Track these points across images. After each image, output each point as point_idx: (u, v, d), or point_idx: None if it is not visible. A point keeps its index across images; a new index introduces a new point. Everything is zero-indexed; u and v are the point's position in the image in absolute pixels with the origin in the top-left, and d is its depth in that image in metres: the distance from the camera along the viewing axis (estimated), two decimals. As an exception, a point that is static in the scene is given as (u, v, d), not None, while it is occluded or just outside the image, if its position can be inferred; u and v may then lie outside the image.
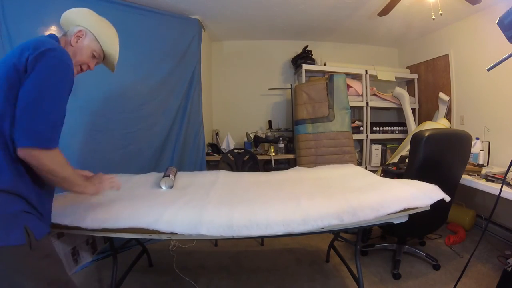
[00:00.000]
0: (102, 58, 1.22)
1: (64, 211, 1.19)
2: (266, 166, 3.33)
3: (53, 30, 1.98)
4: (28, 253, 0.86)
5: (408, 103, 3.43)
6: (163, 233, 1.13)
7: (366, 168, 3.38)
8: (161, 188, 1.60)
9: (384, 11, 2.46)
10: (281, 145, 3.29)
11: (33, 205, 0.92)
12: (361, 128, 3.48)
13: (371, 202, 1.21)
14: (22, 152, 0.86)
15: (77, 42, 1.12)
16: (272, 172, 2.02)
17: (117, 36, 1.24)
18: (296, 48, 3.63)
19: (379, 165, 3.48)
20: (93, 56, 1.17)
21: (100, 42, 1.17)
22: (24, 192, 0.89)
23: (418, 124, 3.38)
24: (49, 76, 0.90)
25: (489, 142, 2.40)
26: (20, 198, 0.88)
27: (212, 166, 3.10)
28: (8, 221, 0.84)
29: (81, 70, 1.16)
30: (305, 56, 3.47)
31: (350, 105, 3.14)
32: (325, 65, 3.47)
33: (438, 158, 1.81)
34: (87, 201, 1.30)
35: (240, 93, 3.79)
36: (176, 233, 1.12)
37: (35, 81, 0.88)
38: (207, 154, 3.10)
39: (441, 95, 3.13)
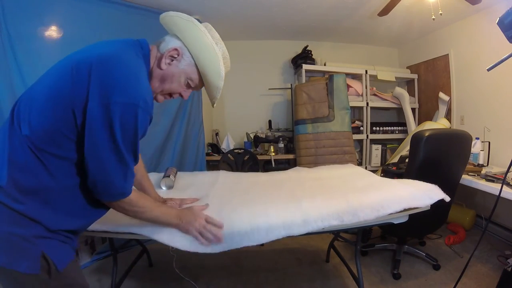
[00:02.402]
0: (201, 86, 0.95)
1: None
2: (266, 166, 3.33)
3: (53, 30, 1.98)
4: (45, 283, 0.75)
5: (408, 103, 3.43)
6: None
7: (366, 168, 3.38)
8: (161, 188, 1.60)
9: (384, 11, 2.46)
10: (281, 145, 3.29)
11: (58, 229, 0.79)
12: (361, 128, 3.48)
13: (371, 202, 1.21)
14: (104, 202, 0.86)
15: (169, 64, 0.87)
16: (273, 172, 2.02)
17: (227, 59, 0.94)
18: (296, 48, 3.63)
19: (379, 165, 3.48)
20: (188, 85, 0.92)
21: (200, 69, 0.89)
22: (45, 217, 0.77)
23: (418, 124, 3.38)
24: (115, 139, 0.75)
25: (489, 142, 2.40)
26: (35, 223, 0.75)
27: (212, 166, 3.10)
28: (17, 244, 0.73)
29: (170, 97, 0.93)
30: (305, 56, 3.47)
31: (350, 105, 3.14)
32: (325, 65, 3.47)
33: (438, 158, 1.81)
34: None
35: (240, 93, 3.79)
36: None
37: (99, 137, 0.74)
38: (207, 154, 3.10)
39: (441, 95, 3.13)
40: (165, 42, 0.88)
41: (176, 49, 0.86)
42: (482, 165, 2.31)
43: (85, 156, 0.76)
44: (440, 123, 2.93)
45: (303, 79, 3.37)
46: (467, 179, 2.06)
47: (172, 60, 0.87)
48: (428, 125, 2.86)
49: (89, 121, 0.73)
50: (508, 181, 1.79)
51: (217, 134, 3.43)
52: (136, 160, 0.85)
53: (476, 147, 2.35)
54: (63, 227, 0.81)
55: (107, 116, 0.72)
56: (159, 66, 0.87)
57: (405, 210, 1.22)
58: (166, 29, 0.93)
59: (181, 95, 0.93)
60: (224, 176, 1.86)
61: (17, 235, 0.73)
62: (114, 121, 0.73)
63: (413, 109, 3.53)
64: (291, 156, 3.29)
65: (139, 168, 1.23)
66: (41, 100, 0.75)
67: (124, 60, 0.77)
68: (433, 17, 2.29)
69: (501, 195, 1.24)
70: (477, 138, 2.37)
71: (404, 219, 1.30)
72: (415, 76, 3.64)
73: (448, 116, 3.11)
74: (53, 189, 0.77)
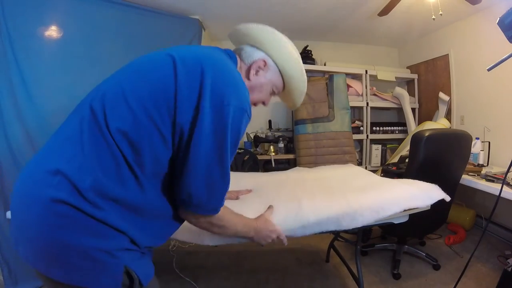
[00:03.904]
0: (282, 91, 0.97)
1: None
2: (266, 166, 3.33)
3: (53, 30, 1.98)
4: None
5: (408, 103, 3.43)
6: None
7: (366, 168, 3.38)
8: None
9: (384, 11, 2.46)
10: (281, 145, 3.29)
11: (140, 241, 0.71)
12: (361, 128, 3.48)
13: (371, 203, 1.21)
14: (182, 214, 0.78)
15: (256, 75, 0.88)
16: (273, 172, 2.02)
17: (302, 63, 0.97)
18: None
19: (379, 165, 3.48)
20: (272, 92, 0.94)
21: (285, 76, 0.92)
22: (131, 227, 0.69)
23: (418, 124, 3.38)
24: (223, 143, 0.70)
25: (489, 142, 2.40)
26: (119, 233, 0.68)
27: (212, 166, 3.09)
28: (96, 258, 0.65)
29: (254, 105, 0.92)
30: (305, 56, 3.47)
31: (350, 105, 3.14)
32: (325, 65, 3.47)
33: (438, 158, 1.81)
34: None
35: (240, 93, 3.78)
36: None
37: (206, 143, 0.69)
38: (207, 154, 3.09)
39: (441, 95, 3.13)
40: (245, 53, 0.89)
41: (264, 61, 0.88)
42: (482, 165, 2.31)
43: (187, 162, 0.69)
44: (440, 123, 2.93)
45: (303, 79, 3.37)
46: (467, 179, 2.06)
47: (258, 71, 0.88)
48: (428, 125, 2.86)
49: (197, 123, 0.68)
50: (508, 181, 1.79)
51: (217, 134, 3.43)
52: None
53: (476, 147, 2.35)
54: (146, 244, 0.75)
55: (218, 119, 0.68)
56: (247, 77, 0.87)
57: (405, 210, 1.22)
58: (234, 40, 0.95)
59: (263, 103, 0.94)
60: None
61: (97, 248, 0.65)
62: (225, 125, 0.69)
63: (413, 109, 3.53)
64: (291, 156, 3.29)
65: None
66: (137, 92, 0.68)
67: (229, 65, 0.77)
68: (433, 17, 2.29)
69: (501, 195, 1.24)
70: (477, 138, 2.37)
71: (404, 219, 1.30)
72: (415, 76, 3.64)
73: (448, 116, 3.11)
74: (140, 203, 0.70)
